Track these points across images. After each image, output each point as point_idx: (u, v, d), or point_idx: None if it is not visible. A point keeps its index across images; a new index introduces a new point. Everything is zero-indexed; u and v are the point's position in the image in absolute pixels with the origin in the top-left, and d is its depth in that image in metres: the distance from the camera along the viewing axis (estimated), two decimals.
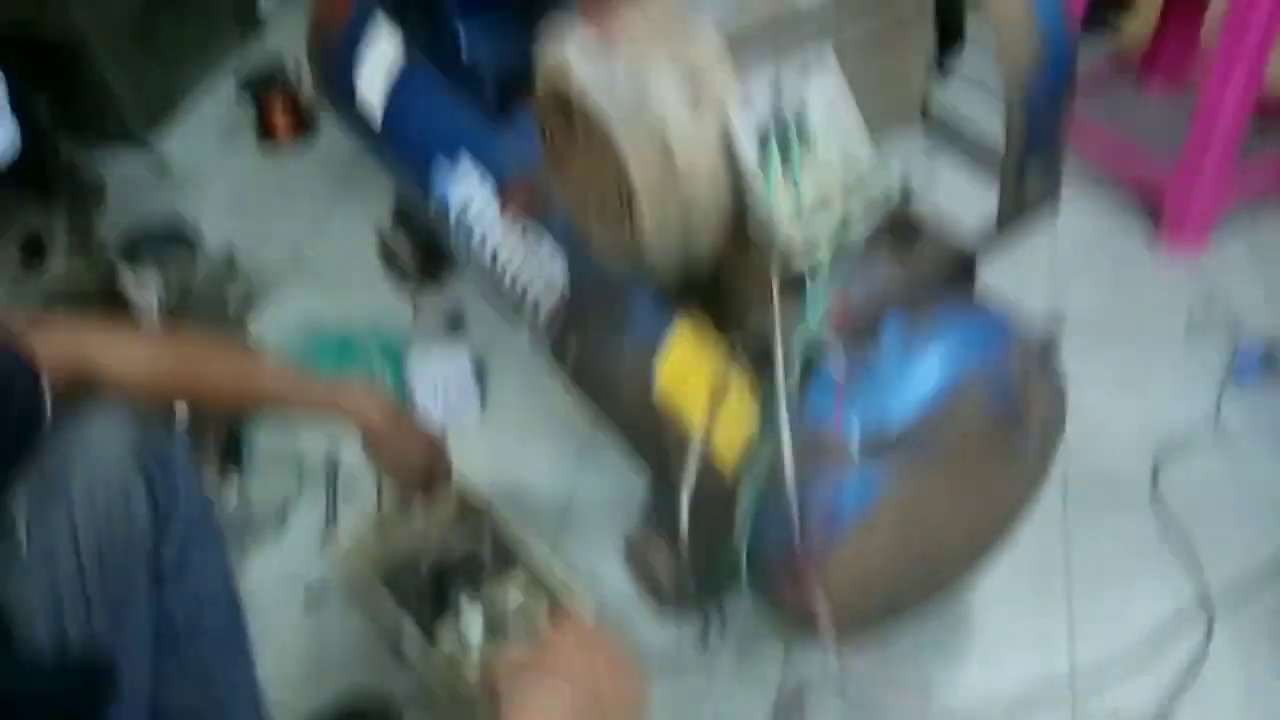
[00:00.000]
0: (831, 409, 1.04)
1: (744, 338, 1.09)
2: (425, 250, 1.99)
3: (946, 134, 1.19)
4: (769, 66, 0.94)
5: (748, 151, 0.91)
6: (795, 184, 0.92)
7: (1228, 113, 1.83)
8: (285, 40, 2.80)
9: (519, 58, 1.45)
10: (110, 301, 1.90)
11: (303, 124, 2.46)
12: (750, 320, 1.10)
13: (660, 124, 0.91)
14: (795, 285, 0.99)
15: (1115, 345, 1.86)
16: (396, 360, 1.89)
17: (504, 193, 1.46)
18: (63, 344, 0.97)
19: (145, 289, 1.82)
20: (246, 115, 2.50)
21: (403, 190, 1.88)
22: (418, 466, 1.29)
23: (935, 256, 1.11)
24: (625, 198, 0.96)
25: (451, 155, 1.55)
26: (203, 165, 2.45)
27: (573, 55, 0.96)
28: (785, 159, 0.92)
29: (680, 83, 0.92)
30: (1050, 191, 1.15)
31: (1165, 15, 2.28)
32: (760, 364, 1.05)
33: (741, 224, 0.98)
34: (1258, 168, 2.01)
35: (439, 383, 1.84)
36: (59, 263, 1.76)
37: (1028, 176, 1.11)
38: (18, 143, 1.90)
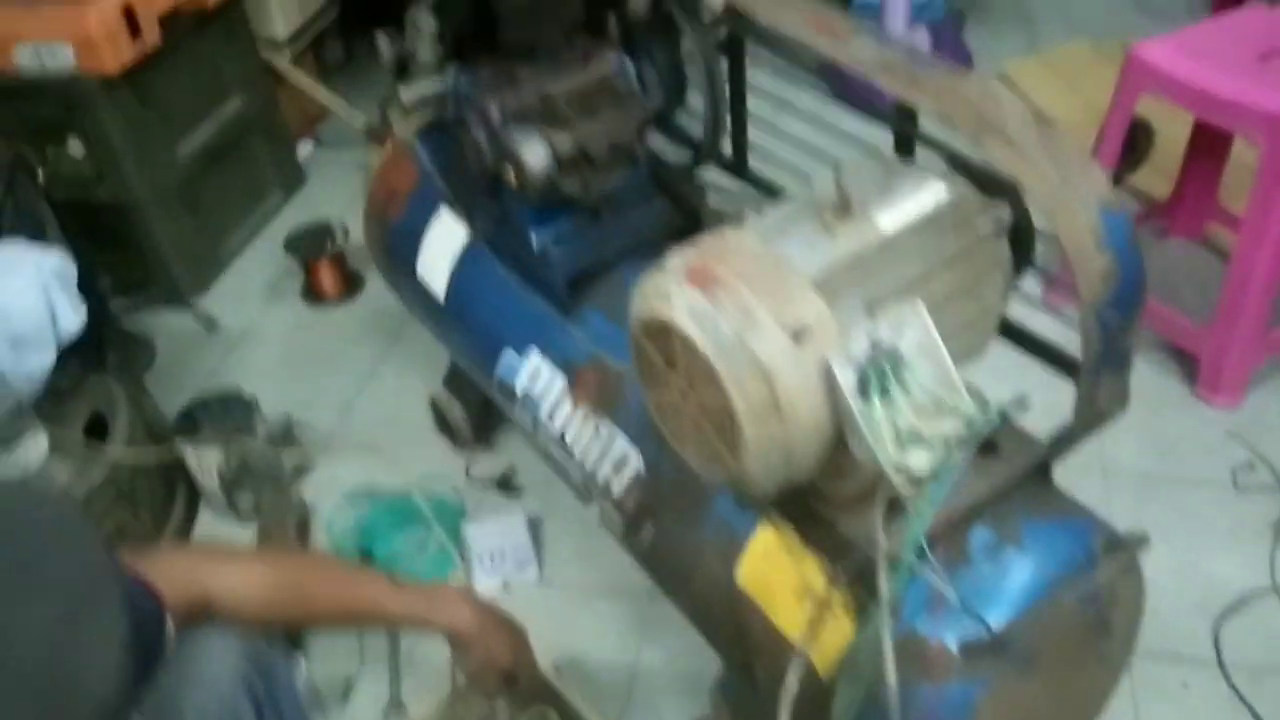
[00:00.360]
0: (927, 620, 1.06)
1: (838, 548, 1.11)
2: (479, 413, 2.03)
3: (1022, 340, 1.24)
4: (862, 305, 0.99)
5: (848, 388, 0.95)
6: (894, 419, 0.96)
7: (1259, 277, 1.89)
8: (327, 193, 2.89)
9: (588, 256, 1.52)
10: (171, 476, 1.93)
11: (349, 283, 2.52)
12: (841, 530, 1.13)
13: (763, 361, 0.95)
14: (892, 502, 1.02)
15: (1162, 499, 1.89)
16: (454, 523, 1.91)
17: (574, 383, 1.50)
18: (180, 575, 1.00)
19: (206, 465, 1.85)
20: (292, 272, 2.56)
21: (459, 360, 1.92)
22: (502, 669, 1.31)
23: (1015, 465, 1.14)
24: (725, 426, 1.00)
25: (518, 342, 1.59)
26: (250, 325, 2.50)
27: (674, 286, 1.00)
28: (884, 394, 0.96)
29: (780, 319, 0.96)
30: (1121, 397, 1.19)
31: (1185, 169, 2.36)
32: (858, 575, 1.08)
33: (838, 446, 1.01)
34: None
35: (495, 546, 1.86)
36: (120, 442, 1.79)
37: (1101, 385, 1.15)
38: (84, 320, 1.96)
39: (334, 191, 2.87)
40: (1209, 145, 2.30)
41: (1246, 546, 1.80)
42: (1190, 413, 2.07)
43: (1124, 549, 1.10)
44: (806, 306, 0.97)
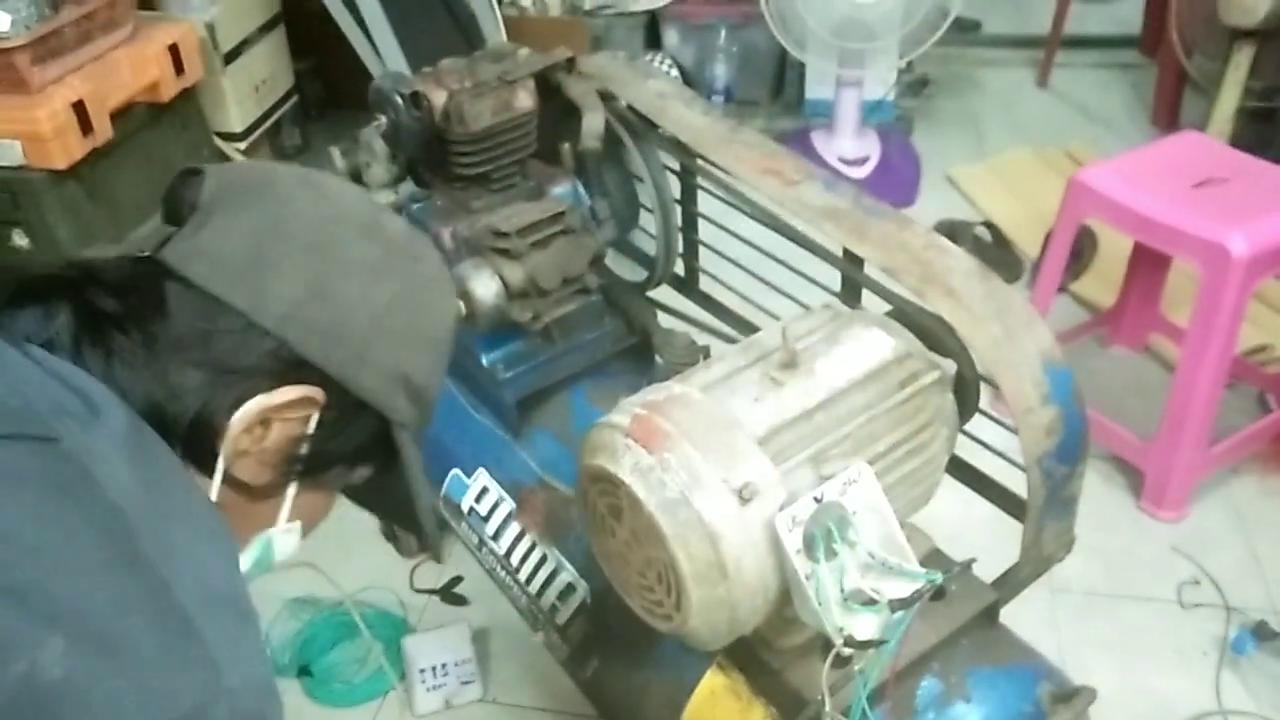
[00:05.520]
0: None
1: (786, 699, 1.10)
2: None
3: (969, 480, 1.24)
4: (808, 462, 0.99)
5: (793, 550, 0.94)
6: (840, 580, 0.95)
7: (1202, 393, 1.94)
8: None
9: (539, 377, 1.51)
10: None
11: None
12: (789, 679, 1.11)
13: (708, 522, 0.94)
14: (838, 660, 1.01)
15: (1108, 616, 1.90)
16: (395, 636, 1.87)
17: (521, 506, 1.48)
18: None
19: None
20: None
21: None
22: None
23: (964, 612, 1.14)
24: (670, 581, 0.99)
25: (465, 460, 1.57)
26: None
27: (620, 442, 1.00)
28: (830, 555, 0.95)
29: (726, 479, 0.96)
30: (1066, 540, 1.20)
31: (1128, 280, 2.42)
32: None
33: (784, 602, 1.01)
34: (1231, 443, 2.10)
35: (437, 660, 1.82)
36: None
37: (1046, 531, 1.16)
38: None
39: None
40: (1151, 258, 2.37)
41: (1193, 665, 1.82)
42: (1135, 526, 2.10)
43: (1072, 702, 1.10)
44: (753, 466, 0.96)
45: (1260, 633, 1.80)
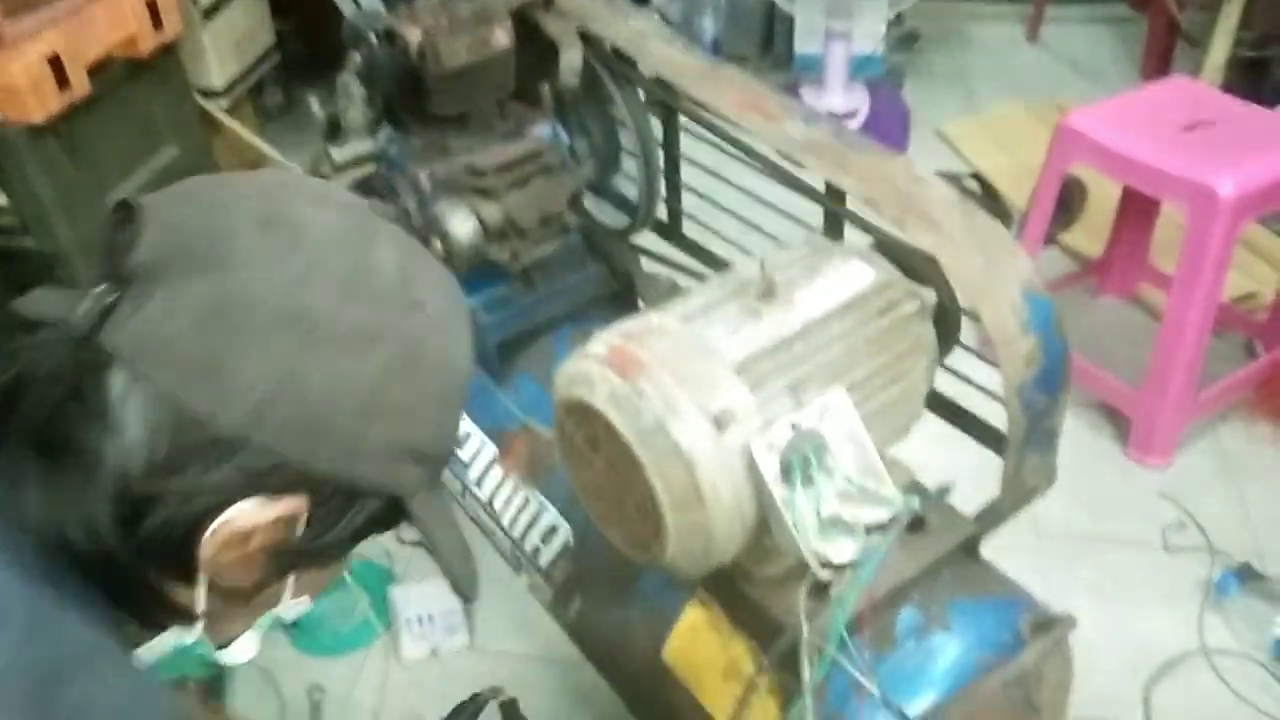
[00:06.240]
0: (854, 705, 1.05)
1: (766, 629, 1.09)
2: None
3: (951, 415, 1.24)
4: (786, 391, 0.98)
5: (770, 475, 0.94)
6: (817, 506, 0.95)
7: (1189, 339, 1.93)
8: None
9: (520, 321, 1.51)
10: None
11: None
12: (768, 610, 1.11)
13: (684, 448, 0.94)
14: (816, 587, 1.01)
15: (1093, 560, 1.90)
16: (381, 587, 1.87)
17: (504, 450, 1.48)
18: None
19: None
20: None
21: None
22: None
23: (943, 543, 1.14)
24: (648, 509, 0.99)
25: None
26: None
27: (596, 371, 0.99)
28: (807, 482, 0.95)
29: (702, 406, 0.95)
30: (1048, 473, 1.19)
31: (1116, 229, 2.41)
32: (785, 657, 1.06)
33: (763, 530, 1.00)
34: (1218, 389, 2.10)
35: (424, 610, 1.82)
36: None
37: (1027, 463, 1.15)
38: None
39: None
40: (1139, 206, 2.35)
41: (1177, 608, 1.82)
42: (1122, 473, 2.10)
43: (1051, 630, 1.10)
44: (729, 393, 0.96)
45: (1244, 574, 1.81)
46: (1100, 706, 1.64)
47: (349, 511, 0.67)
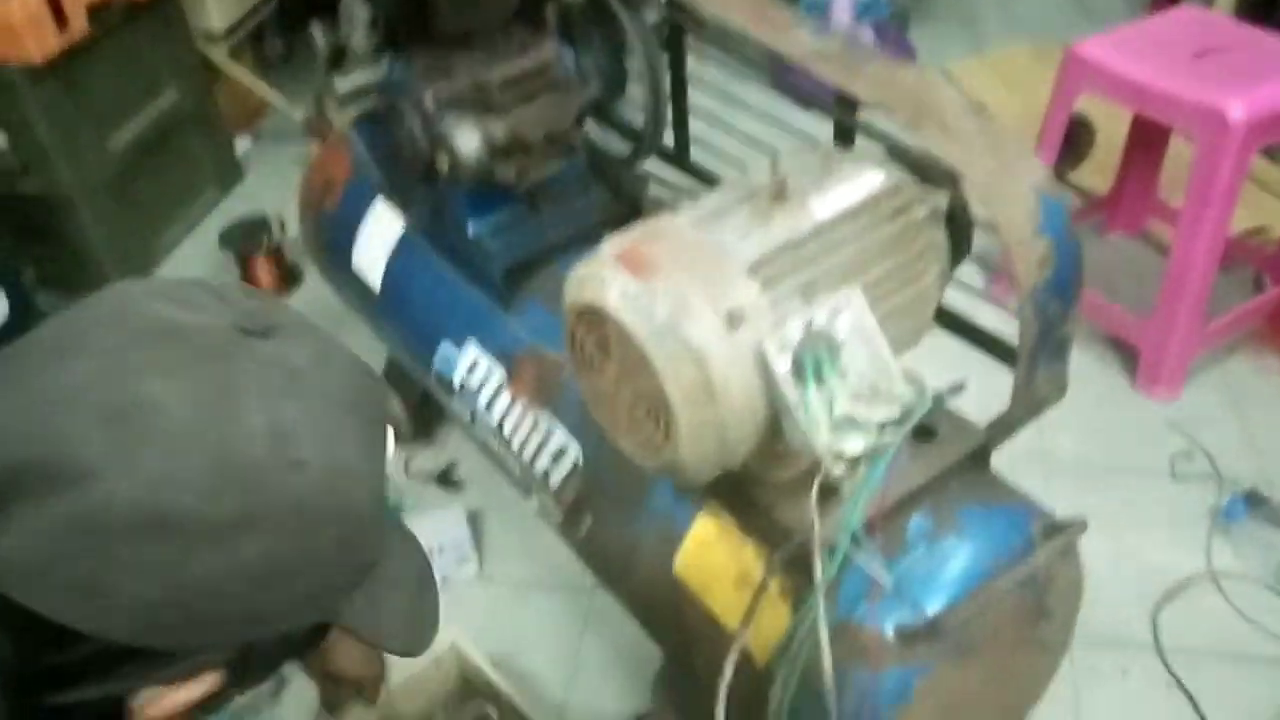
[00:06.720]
0: (864, 606, 1.06)
1: (776, 535, 1.10)
2: (418, 408, 1.99)
3: (961, 329, 1.23)
4: (798, 291, 0.98)
5: (782, 373, 0.94)
6: (829, 404, 0.94)
7: (1197, 269, 1.92)
8: (266, 189, 2.83)
9: (526, 246, 1.50)
10: None
11: (286, 278, 2.47)
12: (778, 517, 1.11)
13: (696, 345, 0.94)
14: (827, 488, 1.00)
15: (1102, 489, 1.90)
16: (391, 518, 1.88)
17: (512, 374, 1.47)
18: None
19: None
20: (228, 268, 2.51)
21: (397, 354, 1.89)
22: (352, 678, 1.25)
23: (953, 451, 1.14)
24: (659, 411, 0.98)
25: (455, 333, 1.57)
26: None
27: (607, 271, 0.99)
28: (819, 380, 0.94)
29: (714, 304, 0.95)
30: (1059, 385, 1.19)
31: (1124, 165, 2.39)
32: (796, 562, 1.06)
33: (774, 431, 1.00)
34: (1226, 319, 2.09)
35: (433, 541, 1.82)
36: None
37: (1039, 372, 1.15)
38: (6, 312, 1.90)
39: (273, 187, 2.81)
40: (1147, 142, 2.33)
41: (1184, 534, 1.83)
42: (1130, 404, 2.10)
43: (1062, 533, 1.10)
44: (741, 291, 0.95)
45: (1251, 500, 1.81)
46: (1109, 629, 1.65)
47: (271, 655, 0.68)
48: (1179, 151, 2.35)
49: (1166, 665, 1.61)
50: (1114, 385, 2.15)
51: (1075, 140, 2.54)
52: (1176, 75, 1.90)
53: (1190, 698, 1.56)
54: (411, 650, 0.73)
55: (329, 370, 0.65)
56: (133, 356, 0.59)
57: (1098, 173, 2.58)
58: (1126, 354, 2.16)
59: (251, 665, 0.67)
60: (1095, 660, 1.61)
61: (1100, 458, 1.98)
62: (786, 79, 2.47)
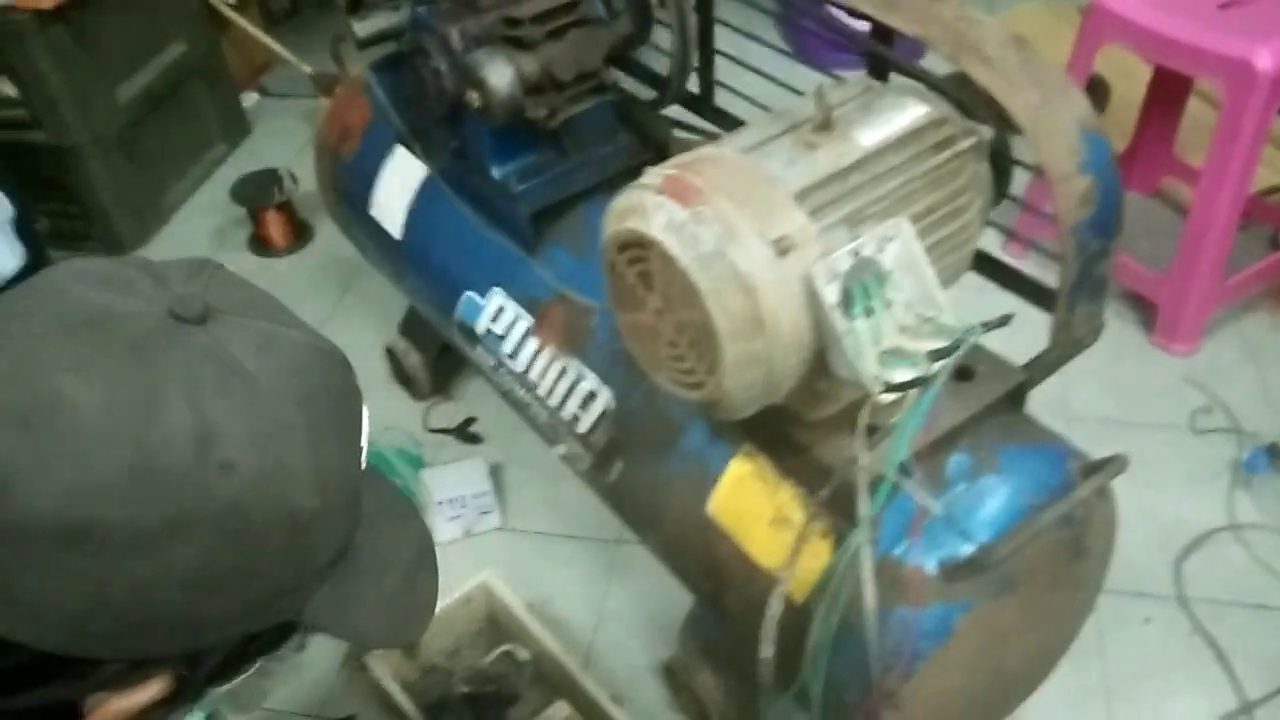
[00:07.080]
0: (906, 543, 1.05)
1: (816, 475, 1.09)
2: (437, 361, 1.98)
3: (997, 273, 1.22)
4: (844, 221, 0.97)
5: (831, 302, 0.93)
6: (876, 335, 0.94)
7: (1218, 222, 1.91)
8: (273, 145, 2.80)
9: (552, 190, 1.48)
10: None
11: (298, 232, 2.45)
12: (818, 455, 1.11)
13: (744, 273, 0.93)
14: (870, 426, 1.00)
15: (1122, 443, 1.89)
16: (412, 473, 1.87)
17: (539, 321, 1.46)
18: None
19: None
20: (238, 222, 2.48)
21: (417, 304, 1.87)
22: None
23: (992, 391, 1.13)
24: (703, 343, 0.97)
25: (479, 281, 1.55)
26: None
27: (651, 200, 0.97)
28: (866, 310, 0.94)
29: (761, 232, 0.94)
30: (1095, 324, 1.18)
31: (1141, 125, 2.38)
32: (836, 501, 1.06)
33: (818, 365, 0.99)
34: (1244, 275, 2.08)
35: (455, 493, 1.82)
36: None
37: (1077, 311, 1.14)
38: (22, 260, 1.88)
39: (280, 142, 2.79)
40: (1165, 101, 2.31)
41: (1205, 487, 1.83)
42: (1149, 359, 2.09)
43: (1099, 472, 1.10)
44: (789, 219, 0.94)
45: (1273, 452, 1.81)
46: (1133, 579, 1.65)
47: (236, 655, 0.64)
48: (1196, 110, 2.34)
49: (1190, 613, 1.62)
50: (1133, 340, 2.14)
51: (1091, 98, 2.52)
52: (1202, 26, 1.88)
53: (1212, 643, 1.57)
54: (397, 640, 0.70)
55: (272, 359, 0.59)
56: (48, 350, 0.54)
57: (1113, 131, 2.54)
58: (1145, 310, 2.16)
59: (209, 667, 0.63)
60: (1119, 610, 1.61)
61: (1120, 413, 1.98)
62: (798, 37, 2.45)
